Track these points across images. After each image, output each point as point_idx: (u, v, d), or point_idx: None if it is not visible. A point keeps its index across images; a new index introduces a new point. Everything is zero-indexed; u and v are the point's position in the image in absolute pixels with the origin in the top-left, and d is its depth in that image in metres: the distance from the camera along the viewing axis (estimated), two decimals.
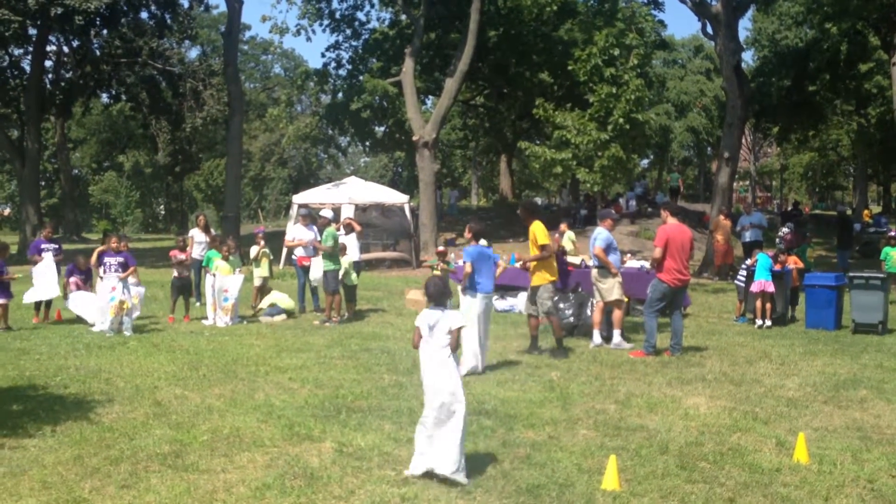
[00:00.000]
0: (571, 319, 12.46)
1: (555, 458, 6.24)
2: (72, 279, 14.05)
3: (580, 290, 13.11)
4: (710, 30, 24.16)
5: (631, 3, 22.80)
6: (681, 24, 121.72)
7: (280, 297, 14.81)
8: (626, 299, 12.65)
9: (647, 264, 15.05)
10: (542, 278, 10.76)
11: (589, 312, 12.33)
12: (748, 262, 15.08)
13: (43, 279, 13.77)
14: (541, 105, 15.51)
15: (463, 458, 5.73)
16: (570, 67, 16.14)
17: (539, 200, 57.56)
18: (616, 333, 11.60)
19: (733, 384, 9.03)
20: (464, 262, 10.04)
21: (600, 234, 11.78)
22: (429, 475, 5.77)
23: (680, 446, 6.61)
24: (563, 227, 20.90)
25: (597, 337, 11.61)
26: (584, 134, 14.53)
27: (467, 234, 10.34)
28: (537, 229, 10.61)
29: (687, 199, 49.49)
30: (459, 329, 6.03)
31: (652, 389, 8.72)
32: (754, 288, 13.84)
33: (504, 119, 41.56)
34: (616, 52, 15.17)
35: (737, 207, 35.13)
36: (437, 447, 5.77)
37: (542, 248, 10.58)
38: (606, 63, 14.99)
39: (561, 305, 12.60)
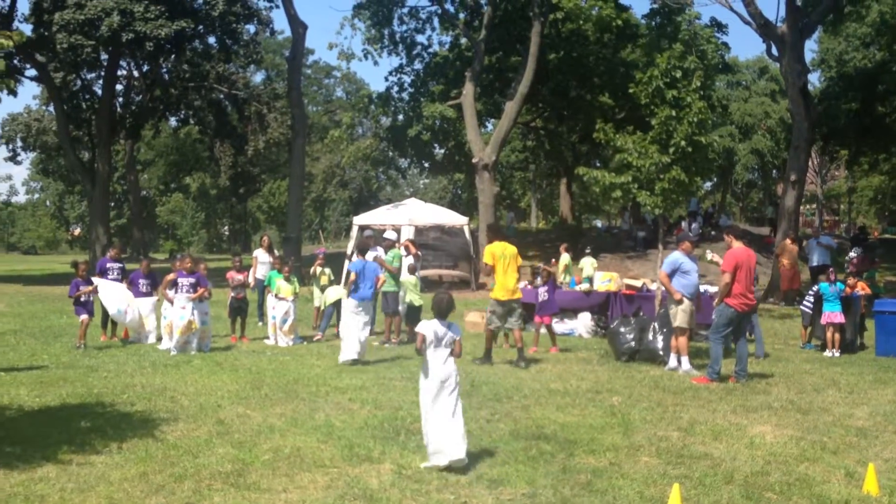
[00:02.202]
0: (633, 344, 12.31)
1: (616, 486, 6.16)
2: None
3: (641, 314, 12.97)
4: (775, 51, 23.83)
5: (693, 26, 22.60)
6: (745, 45, 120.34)
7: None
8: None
9: (710, 289, 14.84)
10: (493, 294, 12.03)
11: (650, 337, 12.17)
12: (815, 287, 14.77)
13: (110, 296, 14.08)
14: (601, 128, 15.38)
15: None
16: (631, 90, 15.99)
17: (599, 223, 57.20)
18: (684, 360, 11.42)
19: (800, 412, 8.83)
20: (348, 271, 12.62)
21: (668, 257, 11.70)
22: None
23: (745, 475, 6.47)
24: (561, 248, 20.87)
25: (672, 360, 11.47)
26: (646, 157, 14.39)
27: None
28: (486, 250, 12.18)
29: (752, 223, 48.67)
30: (460, 340, 6.83)
31: (716, 417, 8.56)
32: (823, 319, 13.55)
33: (564, 142, 41.44)
34: (678, 74, 15.02)
35: (803, 231, 34.41)
36: (449, 437, 6.48)
37: (484, 266, 12.13)
38: (668, 85, 14.84)
39: (622, 329, 12.48)
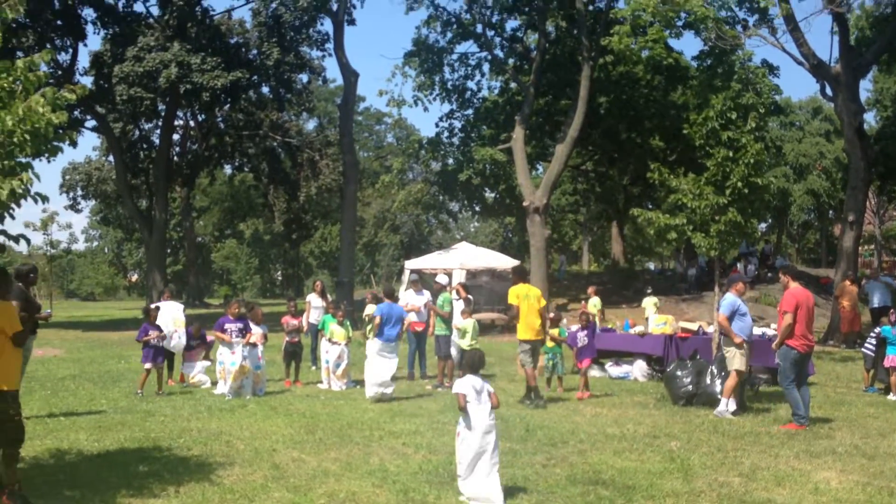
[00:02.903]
0: (690, 388, 12.07)
1: None
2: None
3: (698, 357, 12.73)
4: (829, 91, 23.55)
5: (746, 66, 22.44)
6: (798, 86, 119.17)
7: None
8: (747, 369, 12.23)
9: (769, 331, 14.55)
10: (519, 335, 12.35)
11: (708, 381, 11.93)
12: (876, 329, 14.39)
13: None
14: (656, 168, 15.30)
15: None
16: (685, 131, 15.92)
17: (651, 265, 56.64)
18: (723, 401, 11.18)
19: (866, 458, 8.55)
20: (375, 316, 12.92)
21: (724, 300, 11.51)
22: None
23: None
24: (590, 291, 20.51)
25: (723, 405, 11.21)
26: (701, 198, 14.26)
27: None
28: (510, 292, 12.41)
29: (808, 264, 47.81)
30: (495, 392, 7.21)
31: (779, 462, 8.33)
32: (887, 363, 13.18)
33: (615, 184, 41.28)
34: (733, 115, 14.92)
35: (862, 272, 33.66)
36: (492, 488, 6.76)
37: (508, 308, 12.47)
38: (723, 127, 14.74)
39: (679, 373, 12.26)
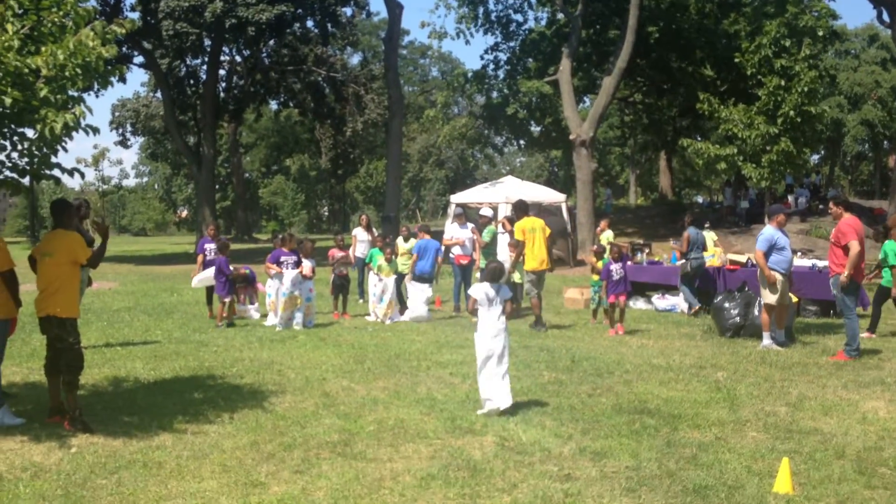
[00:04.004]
0: (738, 319, 12.02)
1: (723, 460, 6.05)
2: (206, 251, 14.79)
3: (746, 289, 12.63)
4: (886, 17, 22.77)
5: None
6: (854, 13, 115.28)
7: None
8: (795, 300, 12.10)
9: (819, 263, 14.35)
10: (525, 266, 12.86)
11: (756, 312, 11.85)
12: None
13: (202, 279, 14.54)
14: (705, 99, 15.05)
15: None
16: (736, 60, 15.60)
17: (700, 199, 55.95)
18: (764, 335, 11.10)
19: None
20: (413, 253, 14.20)
21: (762, 234, 11.29)
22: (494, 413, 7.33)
23: (857, 451, 6.27)
24: (603, 224, 20.16)
25: (766, 338, 11.13)
26: (752, 128, 13.99)
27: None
28: (515, 227, 12.97)
29: (861, 196, 46.88)
30: (511, 300, 7.76)
31: (826, 392, 8.31)
32: None
33: (664, 116, 40.60)
34: (787, 42, 14.53)
35: None
36: (499, 389, 7.32)
37: (517, 243, 12.78)
38: (776, 54, 14.38)
39: (726, 305, 12.20)
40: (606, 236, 19.00)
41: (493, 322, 7.45)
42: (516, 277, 14.21)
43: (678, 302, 15.38)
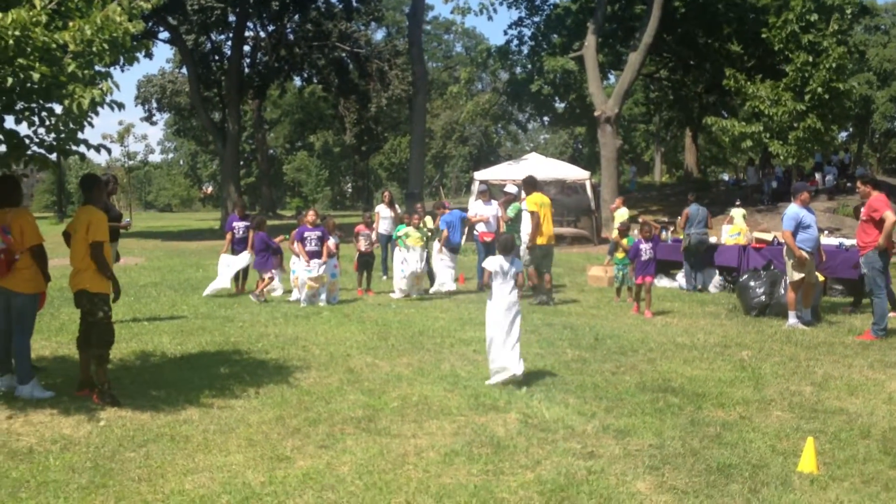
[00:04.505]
0: (763, 298, 11.95)
1: (747, 439, 6.04)
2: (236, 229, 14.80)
3: (773, 267, 12.54)
4: None
5: None
6: None
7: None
8: (822, 279, 12.00)
9: (846, 241, 14.21)
10: (535, 240, 12.96)
11: (782, 291, 11.78)
12: None
13: (225, 269, 14.50)
14: (731, 75, 14.90)
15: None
16: (763, 35, 15.41)
17: (726, 176, 55.47)
18: (790, 314, 11.03)
19: None
20: (442, 230, 14.49)
21: (787, 213, 11.18)
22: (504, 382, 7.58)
23: (883, 431, 6.23)
24: (618, 201, 20.00)
25: (791, 317, 11.06)
26: (779, 105, 13.82)
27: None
28: (528, 201, 13.04)
29: (889, 174, 46.33)
30: (522, 273, 8.00)
31: (852, 372, 8.26)
32: None
33: (689, 92, 40.19)
34: (814, 17, 14.32)
35: None
36: (510, 357, 7.52)
37: (532, 214, 12.85)
38: (804, 30, 14.18)
39: (752, 283, 12.13)
40: (621, 214, 18.90)
41: (505, 295, 7.65)
42: None
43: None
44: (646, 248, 12.36)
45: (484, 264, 7.96)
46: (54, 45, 6.33)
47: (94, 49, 6.53)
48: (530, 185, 13.51)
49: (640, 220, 17.42)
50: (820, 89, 13.53)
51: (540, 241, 13.03)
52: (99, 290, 7.00)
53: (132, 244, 27.16)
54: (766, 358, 8.94)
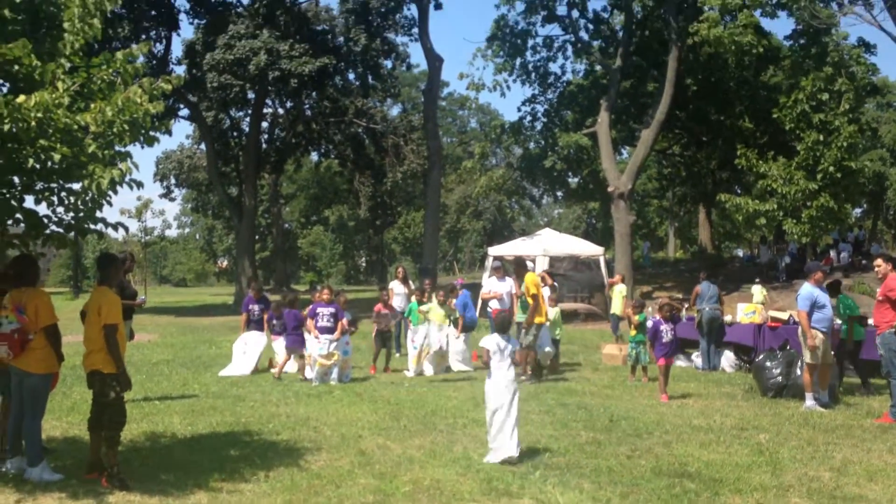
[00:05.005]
0: (780, 379, 11.80)
1: None
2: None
3: (788, 348, 12.42)
4: None
5: (840, 46, 21.65)
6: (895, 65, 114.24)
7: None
8: (832, 361, 11.85)
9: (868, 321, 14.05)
10: (534, 319, 13.01)
11: (798, 372, 11.63)
12: None
13: (242, 356, 14.47)
14: (743, 154, 14.99)
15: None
16: (774, 115, 15.53)
17: (740, 252, 55.36)
18: (807, 396, 10.87)
19: None
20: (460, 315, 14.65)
21: (801, 293, 11.11)
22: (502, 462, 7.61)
23: None
24: (617, 278, 19.93)
25: (809, 399, 10.91)
26: (791, 183, 13.88)
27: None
28: (528, 281, 13.08)
29: None
30: (518, 350, 8.44)
31: (871, 456, 8.10)
32: None
33: (702, 168, 40.41)
34: (825, 97, 14.46)
35: None
36: (507, 440, 7.63)
37: (534, 297, 12.94)
38: (814, 109, 14.31)
39: (768, 364, 12.00)
40: (619, 290, 18.90)
41: (503, 373, 7.77)
42: (557, 333, 14.25)
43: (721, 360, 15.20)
44: (666, 330, 12.00)
45: (481, 343, 8.09)
46: (76, 127, 6.42)
47: (115, 130, 6.62)
48: (522, 266, 13.90)
49: (659, 301, 17.33)
50: (832, 168, 13.59)
51: (541, 319, 13.22)
52: (112, 371, 6.99)
53: (146, 320, 27.22)
54: (784, 442, 8.79)
